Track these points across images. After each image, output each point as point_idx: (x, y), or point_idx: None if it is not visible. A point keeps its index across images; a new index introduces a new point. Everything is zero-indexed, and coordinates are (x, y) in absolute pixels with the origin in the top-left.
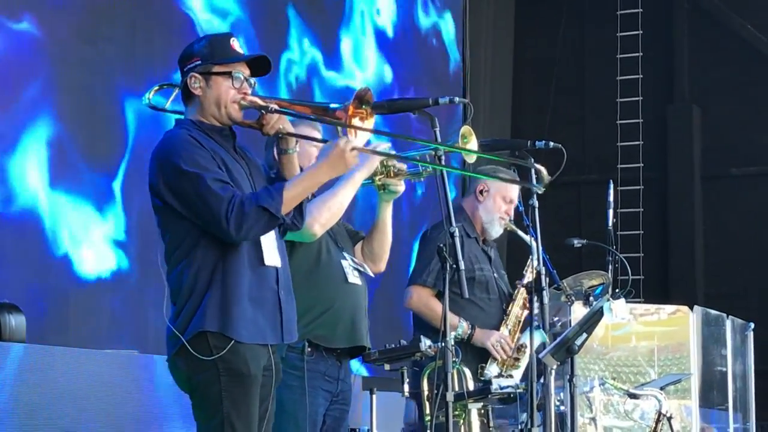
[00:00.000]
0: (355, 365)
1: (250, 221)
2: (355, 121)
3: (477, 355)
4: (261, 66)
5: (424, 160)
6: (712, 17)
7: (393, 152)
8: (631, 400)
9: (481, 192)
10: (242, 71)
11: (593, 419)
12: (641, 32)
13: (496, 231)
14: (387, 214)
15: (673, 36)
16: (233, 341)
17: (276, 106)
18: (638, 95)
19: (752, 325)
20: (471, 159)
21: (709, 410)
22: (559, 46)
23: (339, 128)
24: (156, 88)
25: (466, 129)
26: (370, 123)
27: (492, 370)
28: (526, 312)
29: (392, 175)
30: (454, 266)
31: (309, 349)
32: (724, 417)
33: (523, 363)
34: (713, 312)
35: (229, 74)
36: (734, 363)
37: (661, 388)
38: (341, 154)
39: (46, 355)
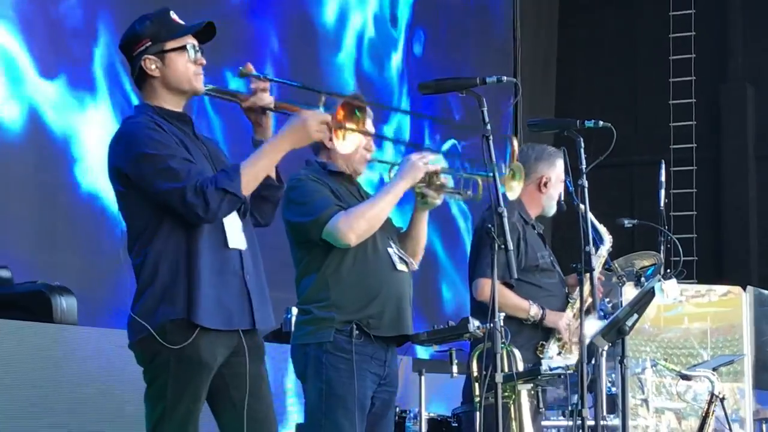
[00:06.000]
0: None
1: (213, 203)
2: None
3: (537, 334)
4: (206, 33)
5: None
6: None
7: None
8: (684, 381)
9: (545, 184)
10: (192, 42)
11: (645, 401)
12: (694, 11)
13: (552, 212)
14: (421, 220)
15: (726, 14)
16: (195, 332)
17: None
18: (691, 75)
19: None
20: (512, 195)
21: (763, 392)
22: (612, 25)
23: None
24: None
25: (516, 166)
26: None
27: (552, 349)
28: (590, 300)
29: (433, 187)
30: (503, 246)
31: (357, 332)
32: None
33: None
34: (766, 292)
35: (183, 48)
36: None
37: (714, 370)
38: (305, 123)
39: (97, 337)
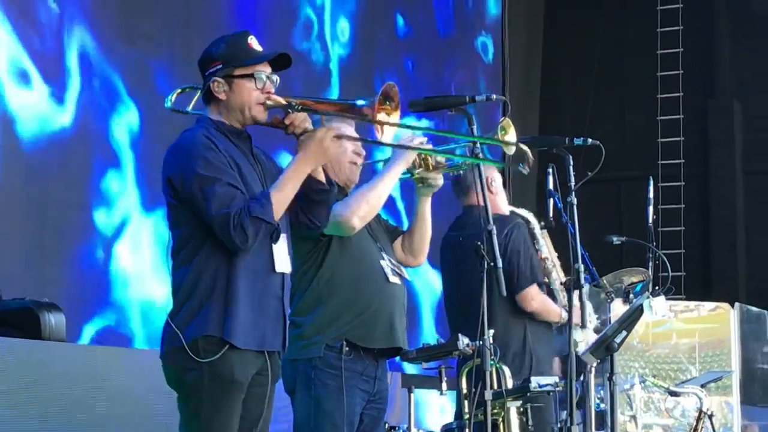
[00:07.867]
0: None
1: (250, 237)
2: (381, 117)
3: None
4: (281, 60)
5: (450, 153)
6: (753, 12)
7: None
8: (672, 397)
9: (491, 184)
10: (263, 70)
11: (634, 417)
12: (681, 28)
13: None
14: (426, 207)
15: (713, 31)
16: (226, 347)
17: (300, 105)
18: (679, 91)
19: None
20: (510, 150)
21: (751, 407)
22: (599, 42)
23: (323, 118)
24: (178, 91)
25: (505, 121)
26: (396, 118)
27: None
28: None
29: (430, 168)
30: (492, 264)
31: (347, 349)
32: (766, 414)
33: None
34: (754, 309)
35: (251, 76)
36: None
37: (702, 386)
38: (320, 143)
39: (85, 354)
